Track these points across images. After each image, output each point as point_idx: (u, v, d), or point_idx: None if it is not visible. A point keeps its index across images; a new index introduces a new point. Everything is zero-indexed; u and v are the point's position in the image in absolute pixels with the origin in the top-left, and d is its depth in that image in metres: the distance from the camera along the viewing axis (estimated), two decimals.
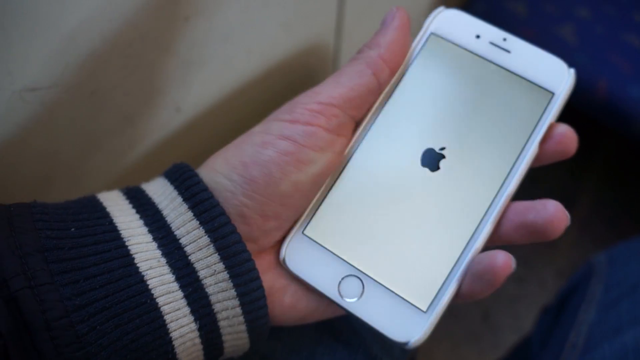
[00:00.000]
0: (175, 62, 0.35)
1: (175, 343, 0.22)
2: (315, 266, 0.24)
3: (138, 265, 0.21)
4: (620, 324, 0.38)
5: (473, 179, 0.25)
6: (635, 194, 1.09)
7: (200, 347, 0.23)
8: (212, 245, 0.22)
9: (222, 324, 0.23)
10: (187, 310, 0.22)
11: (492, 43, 0.26)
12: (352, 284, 0.24)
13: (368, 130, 0.26)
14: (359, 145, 0.26)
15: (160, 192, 0.24)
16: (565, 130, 0.25)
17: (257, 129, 0.24)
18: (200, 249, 0.22)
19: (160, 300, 0.21)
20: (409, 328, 0.23)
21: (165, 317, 0.21)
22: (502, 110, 0.25)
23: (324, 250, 0.25)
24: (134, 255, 0.21)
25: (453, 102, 0.26)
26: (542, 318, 0.54)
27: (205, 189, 0.23)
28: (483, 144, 0.25)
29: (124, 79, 0.32)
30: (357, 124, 0.26)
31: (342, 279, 0.24)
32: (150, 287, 0.21)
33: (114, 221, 0.22)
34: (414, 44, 0.27)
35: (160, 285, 0.21)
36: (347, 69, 0.25)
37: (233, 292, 0.22)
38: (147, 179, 0.35)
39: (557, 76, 0.26)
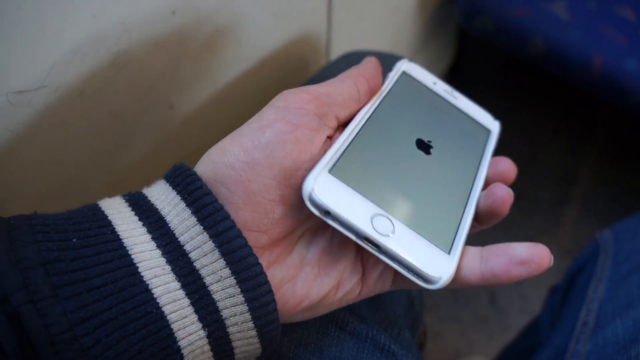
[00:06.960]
0: (164, 57, 0.35)
1: (184, 351, 0.21)
2: (344, 203, 0.24)
3: (142, 274, 0.21)
4: (631, 299, 0.38)
5: (456, 165, 0.29)
6: (637, 168, 1.09)
7: (210, 354, 0.22)
8: (217, 250, 0.22)
9: (231, 329, 0.22)
10: (194, 317, 0.21)
11: (445, 90, 0.33)
12: (383, 222, 0.24)
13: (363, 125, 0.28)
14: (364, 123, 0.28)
15: (163, 197, 0.23)
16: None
17: (253, 118, 0.25)
18: (205, 255, 0.22)
19: (166, 309, 0.21)
20: (438, 267, 0.24)
21: (172, 325, 0.21)
22: (460, 132, 0.32)
23: (351, 191, 0.25)
24: (137, 264, 0.21)
25: (424, 120, 0.30)
26: (550, 298, 0.54)
27: (208, 192, 0.22)
28: (453, 150, 0.30)
29: (113, 77, 0.31)
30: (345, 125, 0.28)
31: (373, 217, 0.24)
32: (155, 295, 0.21)
33: (116, 230, 0.22)
34: (389, 77, 0.31)
35: (166, 294, 0.21)
36: (332, 78, 0.27)
37: (241, 298, 0.22)
38: (144, 176, 0.34)
39: (490, 121, 0.34)
